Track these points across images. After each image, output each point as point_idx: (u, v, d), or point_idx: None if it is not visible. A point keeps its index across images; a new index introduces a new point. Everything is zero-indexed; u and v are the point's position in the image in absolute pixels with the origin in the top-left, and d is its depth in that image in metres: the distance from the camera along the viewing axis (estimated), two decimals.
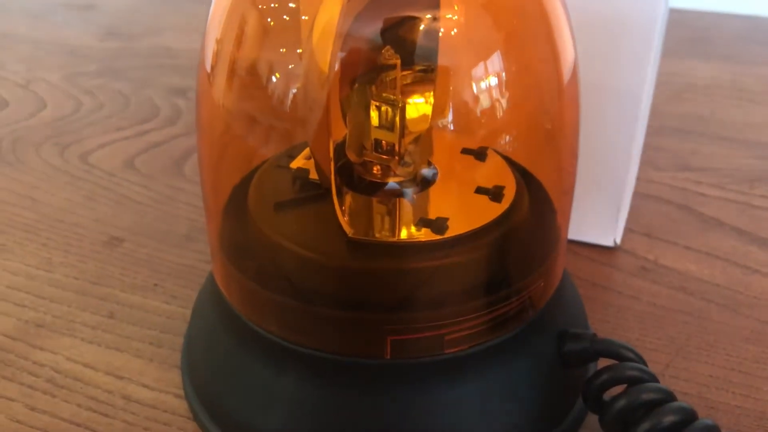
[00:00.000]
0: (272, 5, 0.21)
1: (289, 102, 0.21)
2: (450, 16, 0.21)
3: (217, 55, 0.22)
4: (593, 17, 0.27)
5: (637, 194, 0.35)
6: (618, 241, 0.33)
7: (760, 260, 0.32)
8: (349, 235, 0.21)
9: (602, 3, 0.28)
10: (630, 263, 0.32)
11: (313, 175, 0.24)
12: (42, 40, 0.57)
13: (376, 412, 0.21)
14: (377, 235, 0.22)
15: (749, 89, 0.50)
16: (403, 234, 0.22)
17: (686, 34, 0.57)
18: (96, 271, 0.32)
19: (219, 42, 0.22)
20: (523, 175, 0.24)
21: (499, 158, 0.25)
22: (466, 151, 0.25)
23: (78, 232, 0.34)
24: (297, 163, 0.25)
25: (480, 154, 0.25)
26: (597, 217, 0.33)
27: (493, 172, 0.24)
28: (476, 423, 0.21)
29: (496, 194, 0.23)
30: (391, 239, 0.22)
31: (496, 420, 0.22)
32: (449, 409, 0.21)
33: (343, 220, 0.21)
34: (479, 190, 0.23)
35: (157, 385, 0.26)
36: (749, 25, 0.61)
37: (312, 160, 0.24)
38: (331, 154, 0.20)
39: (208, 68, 0.23)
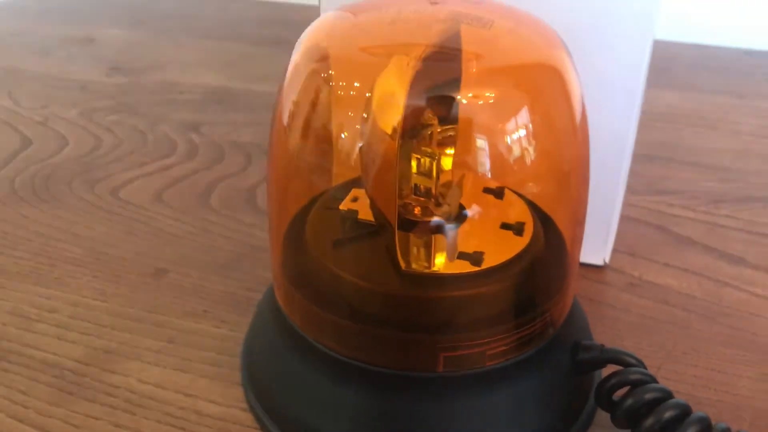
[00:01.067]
0: (340, 83, 0.25)
1: (353, 155, 0.26)
2: (475, 89, 0.25)
3: (292, 115, 0.26)
4: (584, 53, 0.32)
5: (620, 217, 0.40)
6: (607, 260, 0.38)
7: (730, 274, 0.37)
8: (403, 267, 0.25)
9: (589, 36, 0.32)
10: (619, 280, 0.37)
11: (362, 216, 0.28)
12: (50, 76, 0.60)
13: (431, 418, 0.25)
14: (425, 268, 0.26)
15: (707, 116, 0.55)
16: (446, 266, 0.26)
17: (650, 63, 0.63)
18: (148, 300, 0.35)
19: (295, 104, 0.26)
20: (536, 210, 0.29)
21: (515, 196, 0.29)
22: (486, 190, 0.30)
23: (123, 264, 0.38)
24: (345, 205, 0.29)
25: (499, 193, 0.30)
26: (588, 239, 0.37)
27: (512, 209, 0.29)
28: (512, 423, 0.26)
29: (518, 229, 0.28)
30: (437, 272, 0.26)
31: (527, 420, 0.26)
32: (490, 413, 0.25)
33: (402, 255, 0.25)
34: (504, 226, 0.28)
35: (223, 400, 0.30)
36: (704, 54, 0.67)
37: (357, 202, 0.29)
38: (396, 201, 0.24)
39: (285, 123, 0.27)
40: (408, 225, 0.27)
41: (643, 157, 0.49)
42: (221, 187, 0.45)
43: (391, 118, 0.23)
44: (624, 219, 0.41)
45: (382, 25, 0.25)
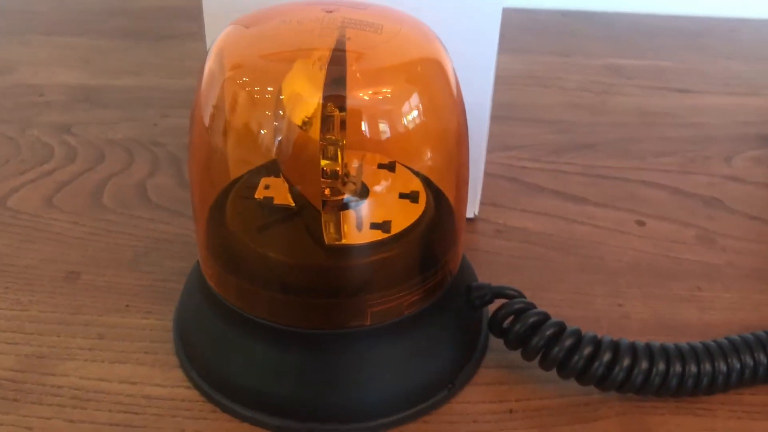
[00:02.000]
0: (255, 87, 0.28)
1: (271, 148, 0.29)
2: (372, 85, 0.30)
3: (212, 117, 0.29)
4: (446, 41, 0.37)
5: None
6: (477, 213, 0.44)
7: (576, 212, 0.45)
8: (327, 243, 0.29)
9: (449, 28, 0.37)
10: (488, 228, 0.43)
11: (277, 201, 0.32)
12: None
13: (365, 362, 0.30)
14: (345, 240, 0.30)
15: (539, 76, 0.63)
16: (362, 236, 0.30)
17: None
18: (68, 303, 0.37)
19: (214, 107, 0.29)
20: (425, 179, 0.34)
21: (405, 170, 0.34)
22: (381, 166, 0.34)
23: (33, 273, 0.39)
24: (260, 193, 0.32)
25: (391, 167, 0.34)
26: None
27: (405, 181, 0.34)
28: (427, 358, 0.31)
29: (414, 197, 0.32)
30: (355, 242, 0.30)
31: (439, 354, 0.31)
32: (410, 351, 0.30)
33: (326, 231, 0.29)
34: (402, 196, 0.32)
35: (167, 383, 0.33)
36: (528, 17, 0.75)
37: (270, 190, 0.32)
38: (320, 185, 0.28)
39: (206, 123, 0.29)
40: (325, 205, 0.31)
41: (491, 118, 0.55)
42: (110, 186, 0.46)
43: (308, 115, 0.27)
44: (484, 175, 0.47)
45: (286, 33, 0.29)
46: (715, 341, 0.32)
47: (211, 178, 0.32)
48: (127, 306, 0.37)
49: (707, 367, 0.31)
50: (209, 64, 0.29)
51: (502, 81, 0.62)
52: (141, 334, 0.35)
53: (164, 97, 0.57)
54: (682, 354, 0.31)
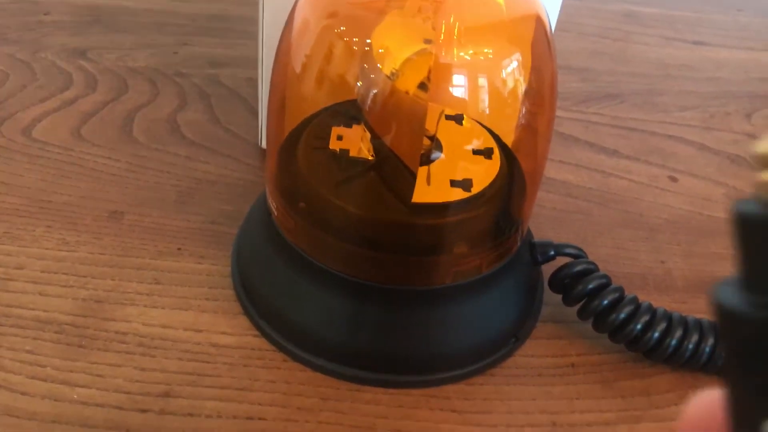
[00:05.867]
0: (353, 38, 0.27)
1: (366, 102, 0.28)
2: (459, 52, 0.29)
3: (305, 66, 0.28)
4: None
5: None
6: None
7: (610, 165, 0.45)
8: (414, 200, 0.29)
9: None
10: None
11: (353, 154, 0.31)
12: None
13: (447, 318, 0.30)
14: (429, 198, 0.30)
15: (558, 19, 0.62)
16: (445, 194, 0.30)
17: None
18: (116, 244, 0.36)
19: (307, 57, 0.28)
20: (493, 135, 0.33)
21: (473, 122, 0.34)
22: (448, 117, 0.34)
23: (74, 211, 0.37)
24: (334, 144, 0.32)
25: (458, 120, 0.34)
26: None
27: (474, 135, 0.33)
28: (502, 312, 0.32)
29: (487, 153, 0.32)
30: (439, 201, 0.30)
31: (511, 307, 0.32)
32: (487, 308, 0.31)
33: (417, 189, 0.29)
34: (476, 152, 0.32)
35: (234, 330, 0.32)
36: None
37: (343, 141, 0.31)
38: (421, 145, 0.28)
39: (297, 69, 0.28)
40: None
41: None
42: (139, 120, 0.44)
43: (418, 73, 0.26)
44: None
45: None
46: None
47: (289, 116, 0.31)
48: (179, 249, 0.36)
49: None
50: (302, 8, 0.28)
51: None
52: (198, 279, 0.35)
53: (179, 23, 0.54)
54: None
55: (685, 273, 0.38)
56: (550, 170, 0.44)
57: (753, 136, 0.50)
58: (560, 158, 0.45)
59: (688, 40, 0.61)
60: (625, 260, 0.39)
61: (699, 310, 0.36)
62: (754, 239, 0.12)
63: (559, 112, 0.50)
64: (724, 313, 0.13)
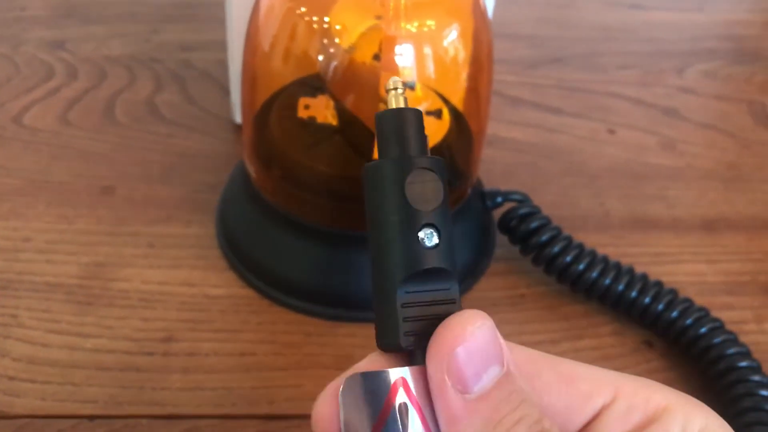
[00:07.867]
0: (314, 18, 0.31)
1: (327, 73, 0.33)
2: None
3: (272, 44, 0.32)
4: None
5: None
6: None
7: (555, 122, 0.50)
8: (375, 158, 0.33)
9: None
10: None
11: (319, 120, 0.35)
12: None
13: None
14: None
15: None
16: None
17: None
18: (111, 216, 0.40)
19: (274, 36, 0.32)
20: (442, 97, 0.38)
21: (424, 88, 0.38)
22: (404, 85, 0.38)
23: (68, 188, 0.41)
24: (302, 113, 0.36)
25: (411, 86, 0.38)
26: None
27: (425, 98, 0.38)
28: (463, 250, 0.36)
29: (437, 114, 0.37)
30: None
31: (470, 246, 0.37)
32: None
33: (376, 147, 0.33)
34: (428, 113, 0.37)
35: (223, 283, 0.37)
36: None
37: (310, 110, 0.36)
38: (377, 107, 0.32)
39: (266, 48, 0.32)
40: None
41: None
42: (120, 103, 0.48)
43: (372, 46, 0.31)
44: None
45: None
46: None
47: (260, 90, 0.35)
48: (168, 216, 0.40)
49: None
50: None
51: None
52: (188, 241, 0.39)
53: (149, 12, 0.57)
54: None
55: (621, 213, 0.43)
56: (501, 130, 0.49)
57: (685, 90, 0.55)
58: (509, 119, 0.50)
59: (626, 4, 0.66)
60: (567, 205, 0.43)
61: (635, 243, 0.41)
62: None
63: (508, 77, 0.54)
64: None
